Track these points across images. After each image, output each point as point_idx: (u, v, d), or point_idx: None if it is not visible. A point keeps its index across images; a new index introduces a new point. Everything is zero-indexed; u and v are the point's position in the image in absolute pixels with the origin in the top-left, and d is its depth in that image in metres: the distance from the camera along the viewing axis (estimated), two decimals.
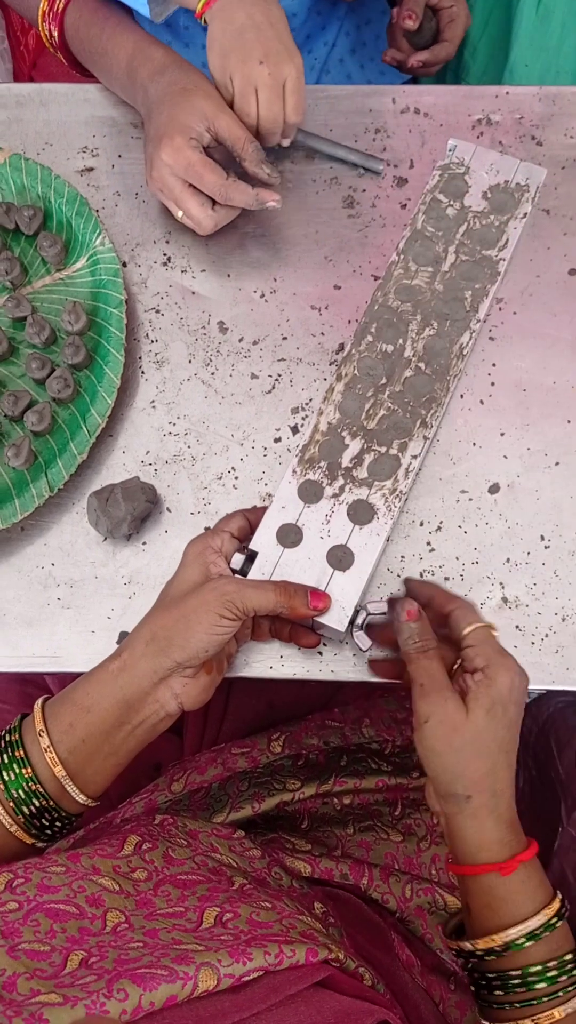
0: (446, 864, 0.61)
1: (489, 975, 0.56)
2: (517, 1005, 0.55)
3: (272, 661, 0.69)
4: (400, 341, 0.72)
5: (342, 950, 0.54)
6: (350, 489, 0.68)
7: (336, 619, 0.64)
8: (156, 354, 0.77)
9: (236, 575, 0.64)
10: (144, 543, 0.72)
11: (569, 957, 0.56)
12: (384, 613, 0.64)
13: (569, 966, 0.56)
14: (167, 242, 0.81)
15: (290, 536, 0.66)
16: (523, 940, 0.55)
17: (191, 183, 0.73)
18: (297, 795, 0.78)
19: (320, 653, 0.69)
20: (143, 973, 0.45)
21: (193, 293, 0.79)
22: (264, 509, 0.68)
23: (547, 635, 0.69)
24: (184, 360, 0.77)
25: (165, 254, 0.81)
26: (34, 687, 0.92)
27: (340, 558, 0.66)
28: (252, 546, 0.66)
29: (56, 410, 0.74)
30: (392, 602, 0.63)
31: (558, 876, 0.84)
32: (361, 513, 0.67)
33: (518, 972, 0.55)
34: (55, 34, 0.83)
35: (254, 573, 0.65)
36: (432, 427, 0.70)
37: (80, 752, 0.59)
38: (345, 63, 1.11)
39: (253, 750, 0.81)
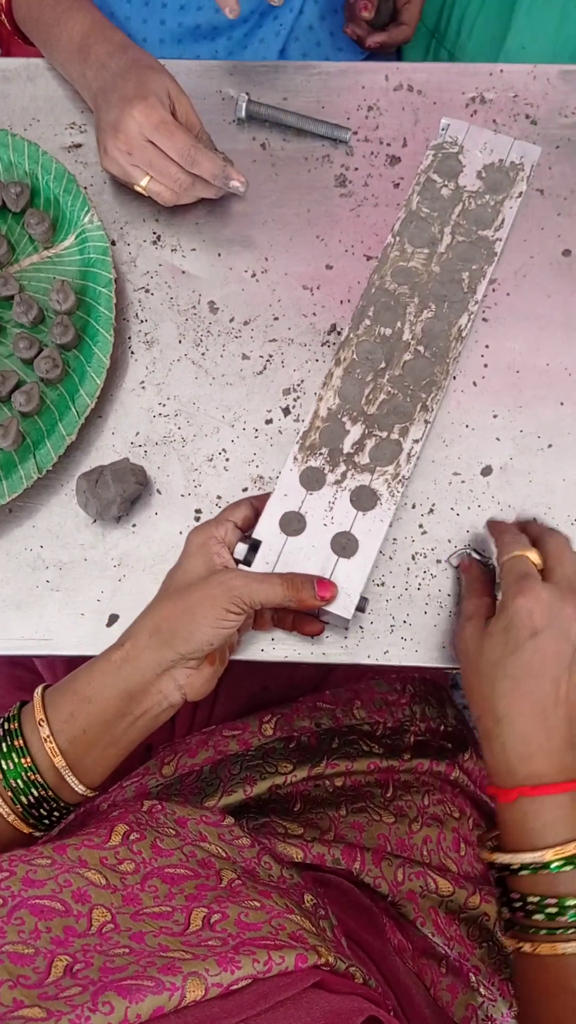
0: (495, 794, 0.59)
1: (530, 898, 0.55)
2: (559, 932, 0.54)
3: (263, 644, 0.69)
4: (398, 324, 0.72)
5: (332, 951, 0.54)
6: (352, 475, 0.67)
7: (342, 607, 0.63)
8: (146, 334, 0.77)
9: (241, 566, 0.64)
10: (134, 525, 0.71)
11: None
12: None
13: None
14: (157, 220, 0.80)
15: (293, 524, 0.66)
16: (561, 863, 0.54)
17: (158, 146, 0.72)
18: (289, 778, 0.78)
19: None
20: (129, 985, 0.44)
21: (183, 272, 0.78)
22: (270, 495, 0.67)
23: None
24: (174, 340, 0.76)
25: (155, 232, 0.79)
26: (23, 670, 0.91)
27: (344, 545, 0.65)
28: (255, 535, 0.65)
29: (44, 390, 0.73)
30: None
31: None
32: (364, 499, 0.66)
33: (554, 900, 0.54)
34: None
35: (258, 562, 0.64)
36: (433, 411, 0.69)
37: (80, 742, 0.59)
38: (315, 30, 1.09)
39: (244, 732, 0.81)
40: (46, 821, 0.60)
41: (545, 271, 0.78)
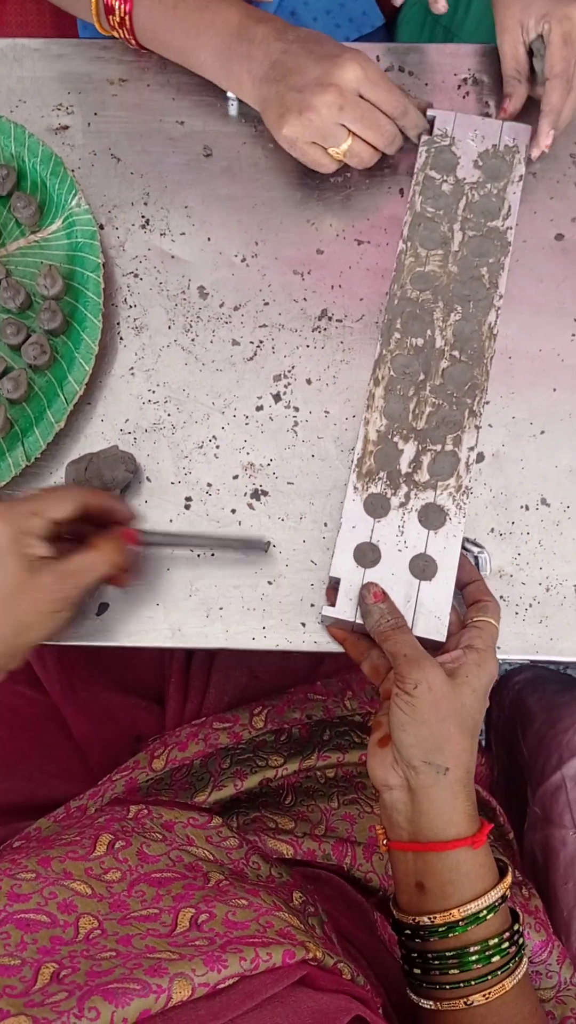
0: (388, 844, 0.60)
1: (448, 953, 0.56)
2: (472, 983, 0.55)
3: (255, 632, 0.68)
4: (428, 332, 0.70)
5: (320, 947, 0.54)
6: (416, 495, 0.66)
7: (435, 630, 0.63)
8: (135, 320, 0.76)
9: (326, 610, 0.64)
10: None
11: (516, 927, 0.57)
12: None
13: (516, 936, 0.57)
14: (145, 204, 0.79)
15: (368, 555, 0.65)
16: (484, 912, 0.56)
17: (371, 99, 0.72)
18: (280, 771, 0.77)
19: (303, 624, 0.68)
20: (115, 988, 0.44)
21: (172, 257, 0.77)
22: (111, 497, 0.65)
23: (531, 605, 0.69)
24: (163, 326, 0.75)
25: (143, 216, 0.78)
26: None
27: (423, 568, 0.64)
28: (332, 573, 0.64)
29: (32, 377, 0.72)
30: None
31: (528, 854, 0.84)
32: (433, 517, 0.66)
33: (475, 946, 0.55)
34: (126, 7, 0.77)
35: (341, 599, 0.64)
36: (480, 415, 0.68)
37: None
38: (310, 5, 1.08)
39: (235, 725, 0.80)
40: None
41: (538, 255, 0.77)
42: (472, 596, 0.65)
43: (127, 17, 0.77)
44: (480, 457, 0.72)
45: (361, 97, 0.71)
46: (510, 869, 0.59)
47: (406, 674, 0.57)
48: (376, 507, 0.66)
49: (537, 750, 0.87)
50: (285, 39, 0.73)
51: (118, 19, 0.77)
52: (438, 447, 0.67)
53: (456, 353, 0.70)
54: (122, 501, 0.68)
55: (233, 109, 0.81)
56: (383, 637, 0.61)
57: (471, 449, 0.67)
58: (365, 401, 0.70)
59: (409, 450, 0.67)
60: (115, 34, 0.79)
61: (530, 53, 0.75)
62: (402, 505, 0.66)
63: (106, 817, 0.64)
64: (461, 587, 0.66)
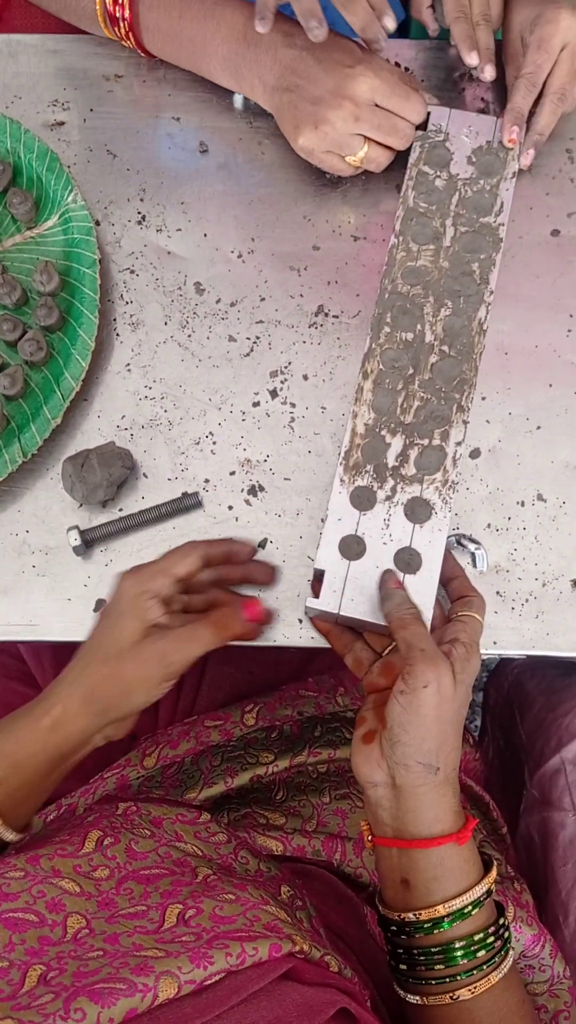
0: (374, 839, 0.60)
1: (433, 949, 0.56)
2: (458, 977, 0.56)
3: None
4: (418, 327, 0.70)
5: (307, 940, 0.54)
6: (402, 488, 0.66)
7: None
8: (131, 316, 0.76)
9: (309, 601, 0.64)
10: (120, 509, 0.71)
11: (502, 921, 0.58)
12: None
13: (502, 930, 0.57)
14: (141, 200, 0.79)
15: (353, 548, 0.65)
16: (469, 908, 0.56)
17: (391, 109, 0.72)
18: (271, 768, 0.77)
19: (300, 620, 0.68)
20: (101, 989, 0.44)
21: (169, 253, 0.77)
22: (232, 542, 0.67)
23: (527, 600, 0.69)
24: (160, 322, 0.75)
25: (139, 212, 0.78)
26: (8, 656, 0.91)
27: (408, 561, 0.64)
28: (317, 565, 0.64)
29: (29, 373, 0.72)
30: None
31: (523, 836, 0.85)
32: (419, 511, 0.66)
33: (461, 941, 0.56)
34: (125, 8, 0.75)
35: (325, 591, 0.64)
36: (468, 410, 0.68)
37: (12, 800, 0.59)
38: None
39: (227, 723, 0.80)
40: None
41: (534, 251, 0.77)
42: (457, 591, 0.65)
43: (130, 31, 0.77)
44: (476, 453, 0.72)
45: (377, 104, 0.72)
46: (495, 864, 0.59)
47: (420, 672, 0.56)
48: (362, 500, 0.66)
49: (536, 733, 0.87)
50: (294, 44, 0.73)
51: (123, 32, 0.77)
52: (425, 441, 0.68)
53: (445, 348, 0.70)
54: (240, 542, 0.68)
55: (238, 102, 0.81)
56: (401, 624, 0.59)
57: (458, 444, 0.67)
58: (354, 394, 0.70)
59: (396, 444, 0.68)
60: (126, 44, 0.79)
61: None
62: (388, 498, 0.66)
63: (95, 815, 0.64)
64: (445, 583, 0.66)
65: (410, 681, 0.56)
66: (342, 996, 0.51)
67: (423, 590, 0.64)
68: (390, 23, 0.71)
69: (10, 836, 0.60)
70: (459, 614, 0.62)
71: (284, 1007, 0.49)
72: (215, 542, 0.66)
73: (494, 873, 0.58)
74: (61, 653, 0.87)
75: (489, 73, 0.75)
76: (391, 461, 0.67)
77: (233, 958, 0.49)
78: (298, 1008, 0.49)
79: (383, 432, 0.68)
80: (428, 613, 0.63)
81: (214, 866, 0.61)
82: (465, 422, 0.68)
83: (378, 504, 0.66)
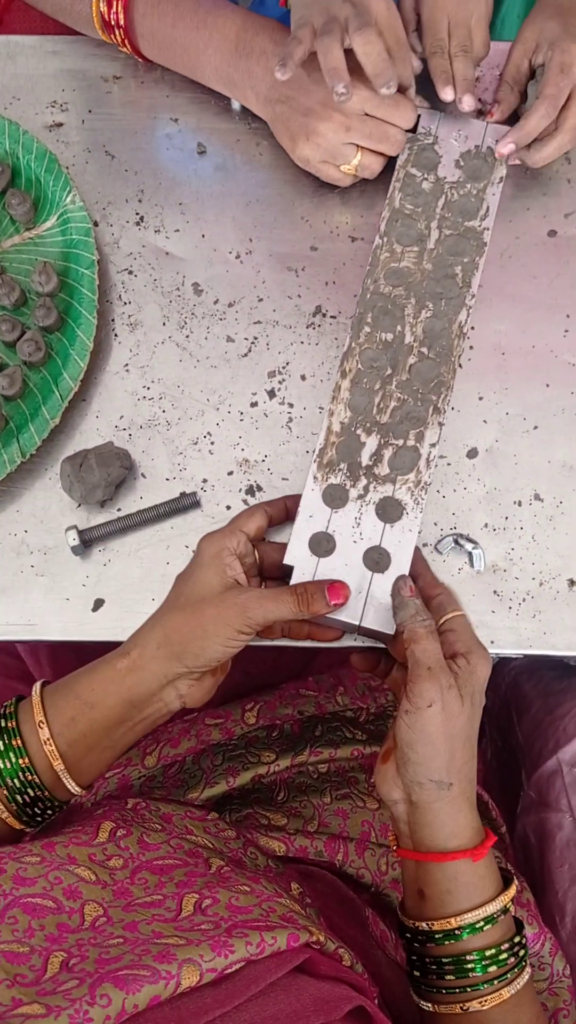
0: (396, 851, 0.61)
1: (445, 959, 0.57)
2: (468, 989, 0.56)
3: None
4: (399, 328, 0.71)
5: (321, 932, 0.54)
6: (375, 488, 0.66)
7: (385, 622, 0.63)
8: (129, 316, 0.76)
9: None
10: (119, 509, 0.71)
11: (517, 939, 0.58)
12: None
13: (517, 948, 0.57)
14: (139, 201, 0.79)
15: (323, 545, 0.65)
16: (481, 923, 0.56)
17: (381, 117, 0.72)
18: (272, 767, 0.78)
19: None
20: (125, 975, 0.45)
21: (167, 254, 0.78)
22: (287, 498, 0.67)
23: (524, 600, 0.69)
24: (158, 322, 0.76)
25: (138, 213, 0.79)
26: (6, 655, 0.91)
27: (377, 560, 0.65)
28: (286, 560, 0.64)
29: (27, 374, 0.72)
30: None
31: (520, 837, 0.85)
32: (390, 510, 0.66)
33: (472, 955, 0.56)
34: (120, 14, 0.76)
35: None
36: (444, 412, 0.68)
37: (79, 746, 0.59)
38: None
39: (227, 721, 0.81)
40: (39, 819, 0.60)
41: (531, 252, 0.78)
42: (424, 592, 0.64)
43: (126, 37, 0.77)
44: (474, 453, 0.72)
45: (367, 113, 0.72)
46: (514, 883, 0.59)
47: (423, 690, 0.56)
48: (334, 498, 0.66)
49: (533, 735, 0.87)
50: None
51: (119, 38, 0.78)
52: (400, 442, 0.68)
53: (424, 350, 0.70)
54: (293, 496, 0.68)
55: (236, 104, 0.81)
56: (415, 638, 0.58)
57: (433, 446, 0.68)
58: (331, 392, 0.70)
59: (371, 443, 0.68)
60: (124, 51, 0.79)
61: (531, 75, 0.76)
62: (360, 497, 0.66)
63: (105, 808, 0.65)
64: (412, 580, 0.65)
65: (415, 700, 0.57)
66: (356, 993, 0.52)
67: (391, 589, 0.64)
68: (447, 94, 0.74)
69: (74, 788, 0.59)
70: (443, 622, 0.62)
71: (302, 1001, 0.49)
72: (272, 501, 0.67)
73: (512, 891, 0.58)
74: (58, 652, 0.87)
75: (468, 104, 0.75)
76: (365, 460, 0.67)
77: (253, 947, 0.49)
78: (314, 1002, 0.49)
79: (358, 431, 0.68)
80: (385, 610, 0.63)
81: (225, 858, 0.61)
82: (441, 424, 0.68)
83: (350, 502, 0.66)
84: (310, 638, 0.66)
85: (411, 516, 0.66)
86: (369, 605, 0.63)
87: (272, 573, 0.66)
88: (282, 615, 0.59)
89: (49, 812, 0.60)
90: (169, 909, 0.53)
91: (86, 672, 0.61)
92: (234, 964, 0.48)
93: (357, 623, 0.63)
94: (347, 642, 0.68)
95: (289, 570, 0.64)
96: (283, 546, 0.65)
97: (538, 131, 0.73)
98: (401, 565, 0.64)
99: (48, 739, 0.58)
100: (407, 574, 0.64)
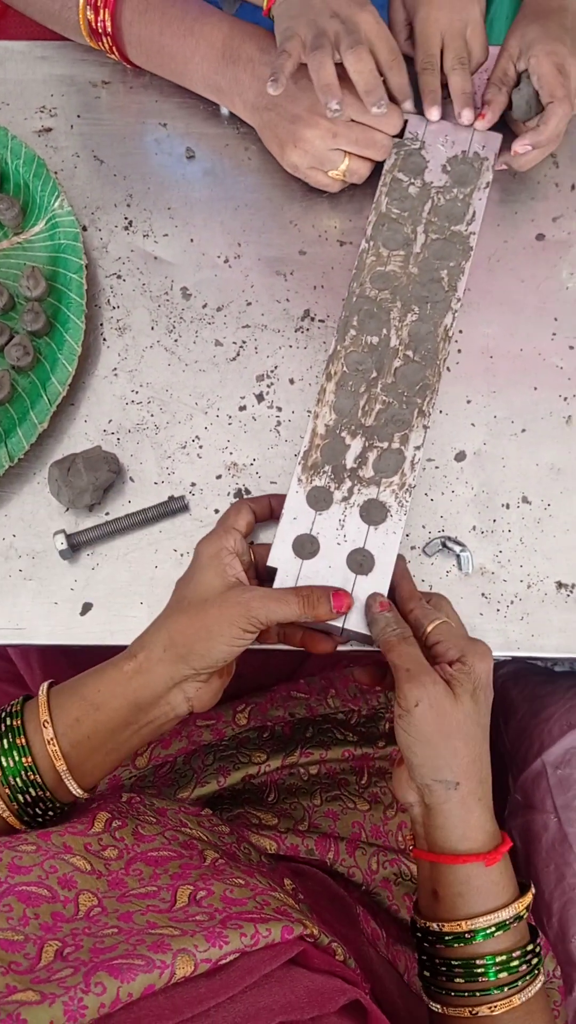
0: (412, 852, 0.61)
1: (455, 962, 0.57)
2: (478, 993, 0.56)
3: None
4: (384, 331, 0.71)
5: (315, 925, 0.55)
6: (359, 490, 0.66)
7: (364, 623, 0.63)
8: (118, 320, 0.76)
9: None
10: (107, 513, 0.71)
11: (531, 947, 0.57)
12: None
13: (530, 956, 0.57)
14: (128, 205, 0.79)
15: (307, 547, 0.65)
16: (493, 929, 0.56)
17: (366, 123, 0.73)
18: (263, 768, 0.78)
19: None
20: (120, 964, 0.45)
21: (155, 258, 0.78)
22: (271, 496, 0.67)
23: (512, 602, 0.69)
24: (147, 327, 0.76)
25: (126, 218, 0.79)
26: None
27: (360, 562, 0.65)
28: (270, 562, 0.64)
29: (15, 378, 0.72)
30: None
31: None
32: (374, 513, 0.66)
33: (483, 960, 0.56)
34: (107, 22, 0.76)
35: (277, 587, 0.63)
36: (429, 415, 0.68)
37: (83, 747, 0.59)
38: None
39: (218, 722, 0.81)
40: (39, 819, 0.60)
41: (519, 256, 0.78)
42: (401, 606, 0.64)
43: (114, 45, 0.77)
44: (462, 456, 0.72)
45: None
46: (530, 890, 0.59)
47: (408, 691, 0.57)
48: (318, 500, 0.66)
49: (519, 740, 0.87)
50: (269, 61, 0.73)
51: (108, 46, 0.78)
52: (385, 444, 0.68)
53: (410, 353, 0.70)
54: (277, 495, 0.68)
55: (225, 109, 0.81)
56: (388, 647, 0.60)
57: (418, 448, 0.68)
58: (316, 395, 0.70)
59: (356, 446, 0.68)
60: (112, 57, 0.80)
61: (516, 82, 0.76)
62: (345, 499, 0.66)
63: (99, 801, 0.65)
64: (394, 586, 0.66)
65: (402, 703, 0.57)
66: (350, 987, 0.52)
67: (373, 592, 0.64)
68: (434, 114, 0.75)
69: (76, 790, 0.59)
70: (428, 632, 0.61)
71: (296, 992, 0.49)
72: (256, 498, 0.67)
73: (528, 899, 0.58)
74: (49, 655, 0.87)
75: (467, 118, 0.75)
76: (349, 463, 0.67)
77: (247, 938, 0.49)
78: (309, 994, 0.50)
79: (343, 434, 0.68)
80: None
81: (220, 851, 0.62)
82: (425, 427, 0.68)
83: (334, 505, 0.66)
84: (303, 645, 0.66)
85: (395, 518, 0.66)
86: (353, 608, 0.63)
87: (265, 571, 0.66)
88: (286, 616, 0.59)
89: (51, 814, 0.60)
90: (164, 900, 0.53)
91: (93, 674, 0.61)
92: (228, 955, 0.48)
93: (340, 625, 0.63)
94: (338, 646, 0.68)
95: (273, 572, 0.64)
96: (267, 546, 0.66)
97: (559, 135, 0.73)
98: (384, 567, 0.64)
99: (52, 739, 0.58)
100: (391, 575, 0.64)
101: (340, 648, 0.68)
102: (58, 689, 0.61)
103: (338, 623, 0.63)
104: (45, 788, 0.59)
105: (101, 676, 0.60)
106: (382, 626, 0.61)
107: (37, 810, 0.59)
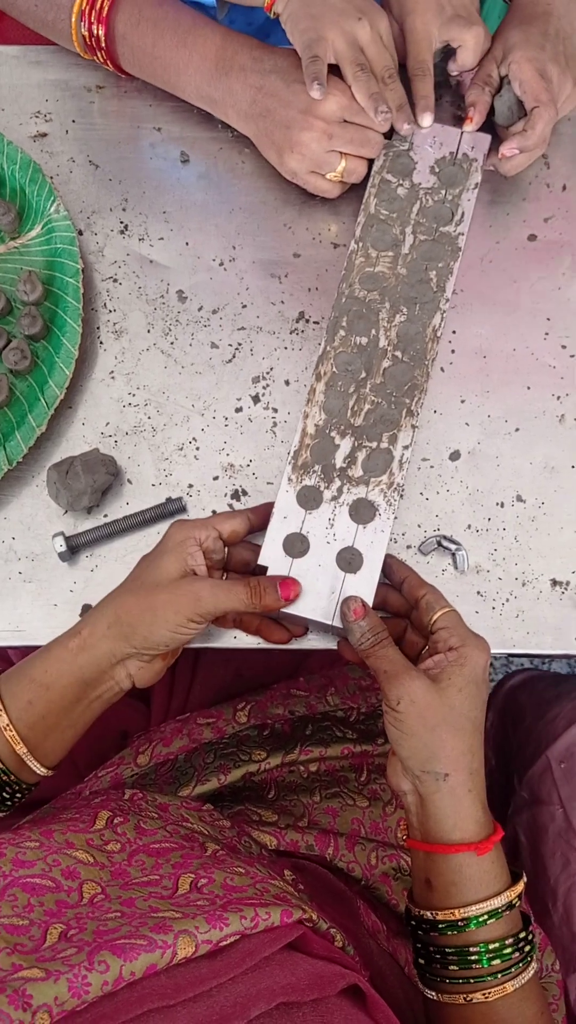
0: (406, 841, 0.62)
1: (448, 950, 0.58)
2: (472, 980, 0.57)
3: (237, 631, 0.69)
4: (373, 332, 0.71)
5: (314, 911, 0.56)
6: (348, 489, 0.67)
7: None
8: (114, 324, 0.77)
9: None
10: (105, 515, 0.72)
11: (523, 934, 0.58)
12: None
13: (523, 943, 0.58)
14: (124, 210, 0.80)
15: (297, 546, 0.66)
16: (485, 917, 0.57)
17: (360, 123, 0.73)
18: (263, 765, 0.78)
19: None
20: (123, 944, 0.46)
21: (151, 262, 0.78)
22: (271, 505, 0.67)
23: (508, 600, 0.70)
24: (143, 330, 0.76)
25: (122, 222, 0.79)
26: None
27: (349, 560, 0.66)
28: (260, 561, 0.65)
29: (13, 382, 0.73)
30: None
31: (511, 837, 0.86)
32: (363, 512, 0.67)
33: (476, 947, 0.57)
34: (101, 34, 0.76)
35: None
36: (417, 415, 0.69)
37: (40, 727, 0.60)
38: None
39: (219, 720, 0.81)
40: (8, 803, 0.62)
41: (511, 256, 0.79)
42: (411, 594, 0.65)
43: (108, 57, 0.78)
44: (456, 455, 0.73)
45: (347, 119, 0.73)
46: (522, 879, 0.60)
47: (388, 691, 0.58)
48: (308, 499, 0.67)
49: (526, 741, 0.89)
50: (262, 69, 0.74)
51: (101, 58, 0.78)
52: (374, 444, 0.69)
53: (399, 354, 0.71)
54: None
55: None
56: (365, 655, 0.61)
57: (406, 448, 0.68)
58: (306, 395, 0.70)
59: (345, 445, 0.69)
60: (107, 68, 0.80)
61: (498, 88, 0.76)
62: (334, 499, 0.67)
63: (102, 798, 0.66)
64: (398, 585, 0.67)
65: (385, 701, 0.59)
66: (349, 972, 0.53)
67: (362, 589, 0.65)
68: (426, 120, 0.75)
69: (40, 769, 0.61)
70: (432, 621, 0.62)
71: (296, 975, 0.50)
72: (256, 508, 0.68)
73: (519, 887, 0.59)
74: None
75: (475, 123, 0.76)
76: (339, 462, 0.68)
77: (247, 920, 0.50)
78: (309, 977, 0.51)
79: (333, 433, 0.69)
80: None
81: (221, 844, 0.63)
82: (414, 427, 0.69)
83: (324, 504, 0.67)
84: (257, 633, 0.67)
85: (383, 517, 0.67)
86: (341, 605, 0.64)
87: (239, 571, 0.67)
88: (233, 606, 0.60)
89: (18, 796, 0.62)
90: (166, 888, 0.54)
91: (40, 655, 0.62)
92: (229, 937, 0.50)
93: (330, 623, 0.64)
94: (334, 643, 0.68)
95: (263, 571, 0.65)
96: (255, 546, 0.66)
97: (545, 139, 0.74)
98: (373, 565, 0.65)
99: (8, 724, 0.59)
100: (379, 573, 0.65)
101: (335, 646, 0.68)
102: (6, 675, 0.62)
103: (327, 620, 0.64)
104: (9, 772, 0.60)
105: (48, 655, 0.61)
106: (358, 636, 0.62)
107: (5, 793, 0.61)
